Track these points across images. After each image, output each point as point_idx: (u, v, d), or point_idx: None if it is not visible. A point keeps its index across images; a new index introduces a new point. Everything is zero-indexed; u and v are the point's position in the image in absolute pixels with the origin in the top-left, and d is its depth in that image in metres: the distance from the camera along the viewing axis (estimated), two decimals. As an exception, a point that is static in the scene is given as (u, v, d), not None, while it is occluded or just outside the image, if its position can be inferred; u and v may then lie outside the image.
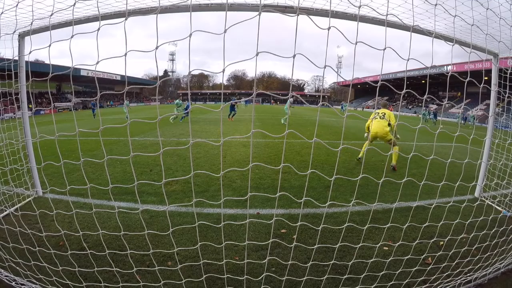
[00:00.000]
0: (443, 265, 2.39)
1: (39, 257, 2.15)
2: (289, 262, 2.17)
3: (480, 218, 2.51)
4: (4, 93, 3.64)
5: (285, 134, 1.63)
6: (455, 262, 2.42)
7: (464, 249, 2.40)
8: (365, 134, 6.83)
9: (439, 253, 2.52)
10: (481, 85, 2.15)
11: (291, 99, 15.93)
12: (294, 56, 1.53)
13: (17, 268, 2.22)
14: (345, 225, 2.19)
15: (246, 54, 1.47)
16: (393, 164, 5.86)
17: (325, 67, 1.61)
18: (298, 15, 1.52)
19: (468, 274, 2.37)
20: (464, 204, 2.36)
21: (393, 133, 5.78)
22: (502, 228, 2.73)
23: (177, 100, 16.74)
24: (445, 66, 30.71)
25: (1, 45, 2.94)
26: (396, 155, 5.88)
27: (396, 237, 3.02)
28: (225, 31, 1.48)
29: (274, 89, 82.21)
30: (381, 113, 6.03)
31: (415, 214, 3.51)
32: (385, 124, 5.83)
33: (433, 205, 2.32)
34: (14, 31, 2.81)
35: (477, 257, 2.44)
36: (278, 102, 68.27)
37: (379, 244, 2.37)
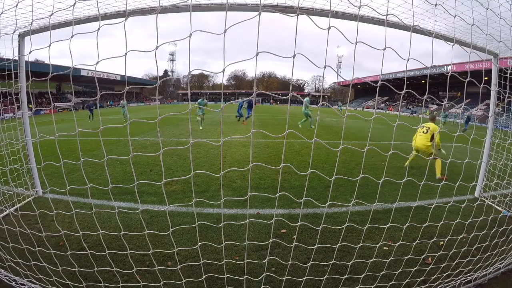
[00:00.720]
0: (443, 265, 2.39)
1: (39, 257, 2.15)
2: (289, 262, 2.17)
3: (480, 218, 2.51)
4: (4, 93, 3.65)
5: (285, 134, 1.63)
6: (455, 262, 2.42)
7: (464, 249, 2.40)
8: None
9: (439, 253, 2.52)
10: (481, 85, 2.15)
11: (307, 98, 13.92)
12: (294, 56, 1.53)
13: (17, 268, 2.22)
14: (345, 225, 2.19)
15: (246, 54, 1.47)
16: (438, 176, 5.53)
17: (325, 67, 1.61)
18: (298, 15, 1.52)
19: (468, 274, 2.37)
20: (464, 204, 2.36)
21: (434, 147, 5.68)
22: (502, 228, 2.73)
23: (200, 100, 13.28)
24: (445, 66, 30.69)
25: (1, 45, 2.94)
26: (439, 167, 5.63)
27: (396, 237, 3.02)
28: (225, 31, 1.48)
29: (274, 89, 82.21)
30: (426, 127, 5.88)
31: (415, 214, 3.51)
32: (427, 139, 5.71)
33: (433, 205, 2.32)
34: (14, 31, 2.82)
35: (477, 257, 2.44)
36: (278, 102, 68.21)
37: (379, 244, 2.37)
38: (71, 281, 2.14)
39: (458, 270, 2.35)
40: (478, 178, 4.26)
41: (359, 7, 1.78)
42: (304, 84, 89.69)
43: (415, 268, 2.29)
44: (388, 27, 2.65)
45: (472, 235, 2.49)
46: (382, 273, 2.20)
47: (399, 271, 2.23)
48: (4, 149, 3.60)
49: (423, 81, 42.20)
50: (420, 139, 5.77)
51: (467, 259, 2.42)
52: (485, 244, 2.50)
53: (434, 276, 2.33)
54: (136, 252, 2.54)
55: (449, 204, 2.36)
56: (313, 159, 6.73)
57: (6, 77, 3.44)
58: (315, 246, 2.17)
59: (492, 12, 2.32)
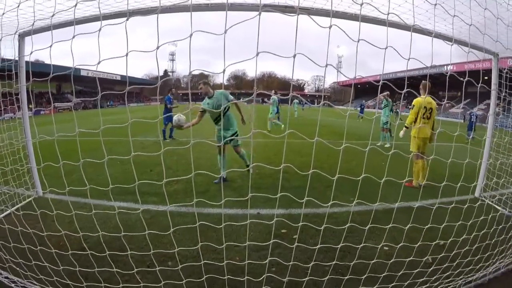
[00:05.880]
0: (444, 265, 2.39)
1: (40, 257, 2.15)
2: (290, 263, 2.16)
3: (481, 218, 2.50)
4: (4, 93, 3.65)
5: (285, 134, 1.63)
6: (456, 262, 2.42)
7: (464, 249, 2.40)
8: (402, 133, 4.90)
9: (441, 255, 2.51)
10: (479, 84, 2.15)
11: (296, 100, 13.49)
12: (294, 56, 1.53)
13: (18, 269, 2.22)
14: (346, 225, 2.18)
15: (248, 53, 1.46)
16: (421, 183, 4.39)
17: (326, 66, 1.61)
18: (298, 14, 1.52)
19: (469, 275, 2.36)
20: (466, 205, 2.36)
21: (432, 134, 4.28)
22: (502, 228, 2.73)
23: (274, 96, 10.40)
24: (445, 66, 30.66)
25: (2, 45, 2.94)
26: (425, 169, 4.39)
27: (398, 237, 3.00)
28: (225, 32, 1.48)
29: (274, 88, 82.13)
30: (429, 108, 4.33)
31: (416, 215, 3.49)
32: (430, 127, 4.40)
33: (435, 206, 2.31)
34: (15, 32, 2.81)
35: (478, 257, 2.43)
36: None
37: (381, 244, 2.36)
38: (72, 281, 2.14)
39: (458, 271, 2.34)
40: (478, 178, 4.25)
41: (361, 4, 1.78)
42: (304, 84, 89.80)
43: (417, 270, 2.28)
44: (389, 26, 2.64)
45: (473, 235, 2.48)
46: (383, 274, 2.20)
47: (400, 272, 2.22)
48: (4, 149, 3.60)
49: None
50: (425, 128, 4.44)
51: (467, 259, 2.41)
52: (486, 243, 2.50)
53: (435, 277, 2.33)
54: (137, 252, 2.54)
55: (451, 206, 2.36)
56: (314, 159, 6.72)
57: (6, 77, 3.44)
58: (317, 247, 2.17)
59: (491, 13, 2.32)
